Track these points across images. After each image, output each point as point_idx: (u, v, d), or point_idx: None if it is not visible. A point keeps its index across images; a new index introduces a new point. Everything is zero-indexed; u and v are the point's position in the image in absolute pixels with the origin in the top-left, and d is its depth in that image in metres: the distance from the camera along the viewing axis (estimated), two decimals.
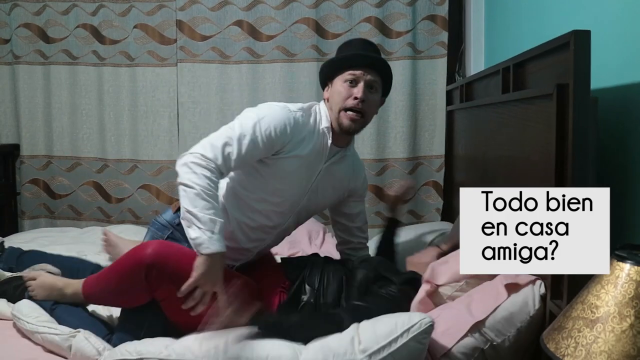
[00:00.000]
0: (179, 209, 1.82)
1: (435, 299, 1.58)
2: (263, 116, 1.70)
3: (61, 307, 1.73)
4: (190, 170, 1.61)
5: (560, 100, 1.36)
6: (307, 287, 1.72)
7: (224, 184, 1.83)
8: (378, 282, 1.71)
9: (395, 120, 2.99)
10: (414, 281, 1.70)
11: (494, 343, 1.42)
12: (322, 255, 1.99)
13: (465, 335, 1.42)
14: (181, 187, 1.61)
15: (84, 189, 3.24)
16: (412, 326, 1.38)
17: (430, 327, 1.38)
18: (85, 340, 1.54)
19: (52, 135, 3.22)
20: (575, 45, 1.29)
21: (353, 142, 1.95)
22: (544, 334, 0.96)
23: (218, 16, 3.05)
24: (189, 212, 1.57)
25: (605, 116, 1.48)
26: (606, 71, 1.48)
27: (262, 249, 1.91)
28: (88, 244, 2.60)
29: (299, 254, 2.30)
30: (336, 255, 2.10)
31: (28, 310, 1.67)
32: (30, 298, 1.75)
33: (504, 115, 1.87)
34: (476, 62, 2.81)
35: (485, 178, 2.14)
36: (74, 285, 1.73)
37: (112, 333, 1.66)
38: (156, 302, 1.60)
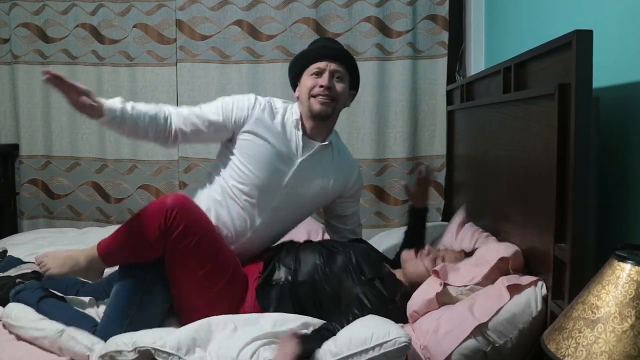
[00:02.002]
0: None
1: (442, 297, 1.58)
2: (230, 96, 1.88)
3: (46, 301, 1.73)
4: None
5: (562, 100, 1.35)
6: (281, 266, 1.75)
7: (212, 175, 1.90)
8: (356, 273, 1.71)
9: (395, 120, 2.98)
10: (391, 286, 1.70)
11: (496, 345, 1.42)
12: None
13: (468, 337, 1.42)
14: None
15: (83, 189, 3.23)
16: (387, 342, 1.37)
17: (405, 347, 1.37)
18: (72, 339, 1.54)
19: (51, 135, 3.22)
20: (578, 45, 1.29)
21: (333, 135, 1.96)
22: (545, 335, 0.96)
23: (218, 16, 3.05)
24: None
25: (606, 115, 1.47)
26: (607, 70, 1.48)
27: (244, 252, 1.86)
28: (87, 244, 2.58)
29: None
30: None
31: (17, 313, 1.66)
32: (39, 283, 1.78)
33: (505, 115, 1.86)
34: (476, 62, 2.81)
35: (486, 178, 2.14)
36: (87, 251, 1.73)
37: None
38: (144, 287, 1.65)
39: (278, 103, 1.91)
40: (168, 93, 3.11)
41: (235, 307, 1.69)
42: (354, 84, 1.94)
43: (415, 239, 2.07)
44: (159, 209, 1.62)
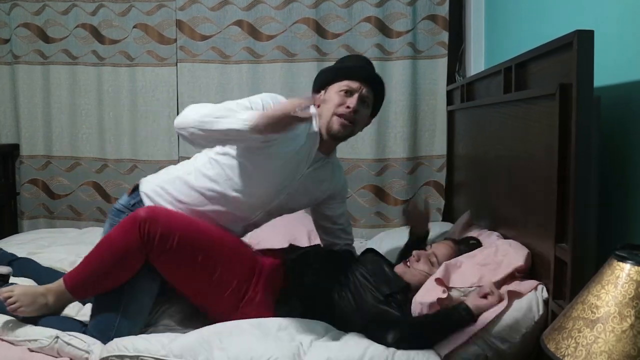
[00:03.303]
0: (133, 191, 1.86)
1: (444, 303, 1.57)
2: (253, 96, 1.76)
3: None
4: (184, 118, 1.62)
5: (563, 100, 1.35)
6: (308, 272, 1.73)
7: (207, 166, 1.81)
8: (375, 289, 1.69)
9: (395, 120, 2.98)
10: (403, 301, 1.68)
11: (499, 350, 1.42)
12: None
13: (468, 343, 1.42)
14: (188, 128, 1.60)
15: (83, 189, 3.23)
16: None
17: None
18: (68, 345, 1.53)
19: (51, 135, 3.22)
20: (579, 45, 1.29)
21: (335, 151, 1.96)
22: (544, 334, 0.96)
23: (218, 16, 3.05)
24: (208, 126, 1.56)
25: (607, 115, 1.47)
26: (608, 70, 1.48)
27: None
28: (87, 244, 2.57)
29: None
30: None
31: (3, 326, 1.62)
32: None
33: (506, 115, 1.86)
34: (476, 62, 2.81)
35: (487, 178, 2.14)
36: (53, 286, 1.65)
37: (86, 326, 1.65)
38: (130, 283, 1.62)
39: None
40: (168, 93, 3.11)
41: (241, 290, 1.67)
42: (374, 110, 1.90)
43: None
44: (130, 228, 1.58)
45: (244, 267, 1.70)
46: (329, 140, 1.84)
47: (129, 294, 1.63)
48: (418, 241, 2.07)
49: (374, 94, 1.84)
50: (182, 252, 1.61)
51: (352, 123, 1.79)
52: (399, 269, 1.77)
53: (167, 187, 1.81)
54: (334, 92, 1.80)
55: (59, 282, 1.65)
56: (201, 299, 1.68)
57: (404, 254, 2.02)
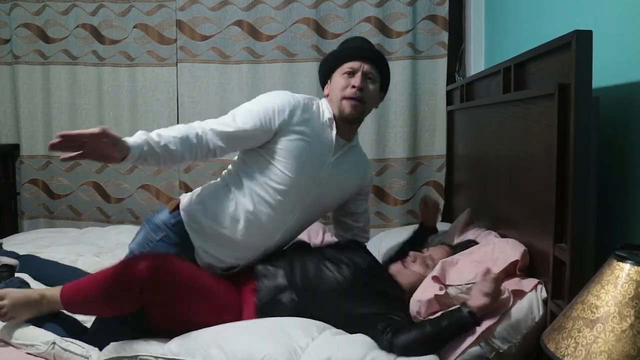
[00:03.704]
0: (175, 209, 1.82)
1: (442, 300, 1.57)
2: (262, 96, 1.80)
3: None
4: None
5: (561, 100, 1.36)
6: (287, 285, 1.68)
7: (235, 177, 1.81)
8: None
9: (395, 120, 2.98)
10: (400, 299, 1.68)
11: (500, 351, 1.43)
12: None
13: (472, 345, 1.42)
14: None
15: (83, 189, 3.23)
16: None
17: None
18: (65, 351, 1.52)
19: (51, 135, 3.20)
20: (577, 45, 1.29)
21: (357, 136, 1.96)
22: (544, 334, 0.96)
23: (218, 16, 3.05)
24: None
25: (606, 115, 1.48)
26: (607, 70, 1.48)
27: (267, 250, 1.84)
28: (87, 244, 2.60)
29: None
30: None
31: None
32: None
33: (505, 115, 1.86)
34: (476, 62, 2.81)
35: (486, 178, 2.14)
36: (50, 294, 1.63)
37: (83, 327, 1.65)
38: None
39: (310, 100, 1.86)
40: (168, 93, 3.11)
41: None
42: (384, 85, 1.91)
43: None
44: (131, 282, 1.52)
45: (231, 315, 1.64)
46: (345, 125, 1.85)
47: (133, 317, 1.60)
48: (421, 237, 2.10)
49: (378, 69, 1.85)
50: (176, 313, 1.56)
51: (361, 101, 1.81)
52: (395, 267, 1.77)
53: (206, 201, 1.79)
54: (338, 76, 1.83)
55: (56, 291, 1.62)
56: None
57: (399, 252, 2.03)
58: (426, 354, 1.41)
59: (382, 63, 1.87)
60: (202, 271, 1.73)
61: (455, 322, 1.44)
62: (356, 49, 1.86)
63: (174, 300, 1.55)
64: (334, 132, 1.83)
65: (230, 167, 1.89)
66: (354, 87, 1.78)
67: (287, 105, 1.76)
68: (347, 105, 1.80)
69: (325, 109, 1.84)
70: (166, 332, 1.55)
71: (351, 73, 1.81)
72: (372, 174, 2.10)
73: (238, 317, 1.63)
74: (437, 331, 1.44)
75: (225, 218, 1.76)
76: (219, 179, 1.88)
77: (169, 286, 1.55)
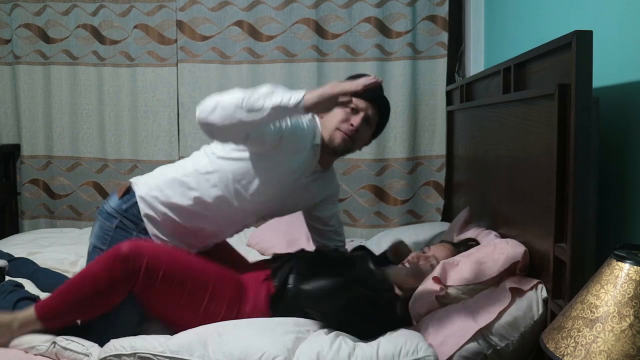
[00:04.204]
0: (124, 194, 1.81)
1: (442, 300, 1.58)
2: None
3: (23, 307, 1.65)
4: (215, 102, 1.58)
5: (562, 100, 1.36)
6: (291, 276, 1.70)
7: (208, 167, 1.78)
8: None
9: (395, 120, 2.98)
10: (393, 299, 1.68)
11: (498, 348, 1.43)
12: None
13: (469, 341, 1.42)
14: (222, 113, 1.55)
15: (83, 189, 3.24)
16: (417, 359, 1.38)
17: None
18: (66, 350, 1.52)
19: (52, 136, 3.22)
20: (577, 46, 1.29)
21: (332, 167, 1.97)
22: (544, 334, 0.96)
23: (218, 16, 3.05)
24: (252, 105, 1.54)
25: (606, 115, 1.48)
26: (607, 70, 1.48)
27: (218, 240, 1.96)
28: (87, 244, 2.59)
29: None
30: None
31: None
32: None
33: (505, 115, 1.87)
34: (476, 62, 2.81)
35: (486, 178, 2.14)
36: (21, 314, 1.56)
37: None
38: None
39: (312, 121, 1.83)
40: (168, 93, 3.12)
41: (232, 313, 1.64)
42: (376, 131, 1.92)
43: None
44: (113, 263, 1.53)
45: (230, 291, 1.67)
46: (328, 155, 1.85)
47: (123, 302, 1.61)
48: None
49: (379, 115, 1.85)
50: (168, 284, 1.57)
51: (352, 140, 1.80)
52: (397, 275, 1.75)
53: (164, 190, 1.78)
54: (339, 107, 1.77)
55: (29, 311, 1.57)
56: (187, 326, 1.61)
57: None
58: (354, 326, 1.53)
59: (385, 111, 1.88)
60: (183, 251, 1.73)
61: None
62: (369, 90, 1.77)
63: (158, 270, 1.56)
64: (317, 158, 1.83)
65: (193, 157, 1.85)
66: (352, 125, 1.77)
67: (299, 128, 1.75)
68: (338, 137, 1.78)
69: (317, 134, 1.82)
70: (164, 324, 1.59)
71: (354, 110, 1.78)
72: (337, 181, 2.07)
73: (239, 298, 1.65)
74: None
75: (182, 209, 1.76)
76: (176, 167, 1.85)
77: (152, 253, 1.57)
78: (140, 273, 1.54)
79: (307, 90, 1.54)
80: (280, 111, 1.54)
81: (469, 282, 1.56)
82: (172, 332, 1.56)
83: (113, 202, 1.83)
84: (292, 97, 1.51)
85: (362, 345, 1.44)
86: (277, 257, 1.89)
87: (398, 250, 1.99)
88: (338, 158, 1.91)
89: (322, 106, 1.55)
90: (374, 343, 1.45)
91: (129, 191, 1.82)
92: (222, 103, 1.55)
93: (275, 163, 1.74)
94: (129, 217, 1.79)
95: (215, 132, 1.60)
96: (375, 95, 1.81)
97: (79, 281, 1.59)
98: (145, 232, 1.79)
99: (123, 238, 1.73)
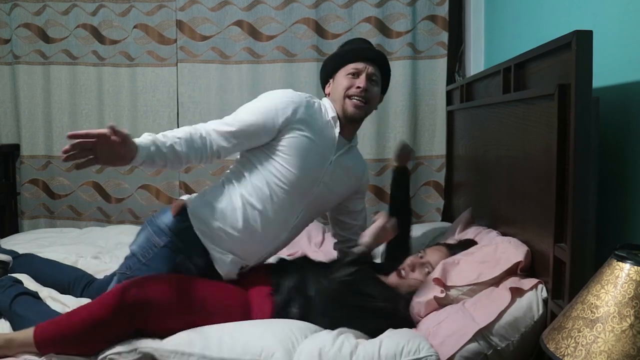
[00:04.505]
0: (179, 213, 1.78)
1: (442, 301, 1.58)
2: (264, 95, 1.81)
3: (21, 301, 1.66)
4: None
5: (561, 100, 1.36)
6: (292, 302, 1.67)
7: (239, 176, 1.80)
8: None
9: (395, 120, 2.99)
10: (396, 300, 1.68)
11: (498, 348, 1.43)
12: (321, 254, 1.97)
13: (469, 342, 1.42)
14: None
15: (83, 189, 3.23)
16: (418, 359, 1.38)
17: None
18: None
19: (52, 135, 3.21)
20: (577, 46, 1.29)
21: (356, 137, 1.98)
22: (544, 334, 0.96)
23: (218, 16, 3.05)
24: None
25: (606, 115, 1.48)
26: (607, 70, 1.48)
27: (274, 249, 1.87)
28: (87, 244, 2.59)
29: (299, 254, 2.28)
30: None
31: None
32: None
33: (505, 115, 1.87)
34: (476, 62, 2.81)
35: (486, 178, 2.14)
36: (20, 337, 1.53)
37: None
38: None
39: (312, 98, 1.86)
40: (168, 93, 3.11)
41: None
42: (384, 88, 1.96)
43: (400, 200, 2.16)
44: (118, 313, 1.50)
45: (236, 310, 1.65)
46: (348, 124, 1.87)
47: None
48: (397, 184, 2.18)
49: (380, 71, 1.89)
50: (175, 322, 1.55)
51: (366, 102, 1.84)
52: (392, 279, 1.75)
53: (214, 204, 1.76)
54: (341, 77, 1.86)
55: (27, 335, 1.53)
56: None
57: (392, 248, 2.06)
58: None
59: (384, 65, 1.91)
60: (195, 280, 1.69)
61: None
62: (360, 50, 1.89)
63: (158, 312, 1.53)
64: (337, 130, 1.85)
65: (232, 167, 1.88)
66: (358, 87, 1.82)
67: (290, 103, 1.76)
68: (350, 105, 1.83)
69: (329, 108, 1.86)
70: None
71: (355, 74, 1.84)
72: (369, 174, 2.12)
73: (245, 318, 1.63)
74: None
75: (233, 218, 1.75)
76: (222, 180, 1.87)
77: (160, 310, 1.54)
78: (145, 323, 1.52)
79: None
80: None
81: (470, 282, 1.56)
82: None
83: (167, 218, 1.79)
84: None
85: (364, 343, 1.44)
86: (278, 268, 1.86)
87: (402, 155, 2.18)
88: (358, 124, 1.92)
89: None
90: (376, 341, 1.44)
91: (184, 210, 1.79)
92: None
93: (295, 146, 1.76)
94: (183, 239, 1.75)
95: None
96: (369, 54, 1.88)
97: (80, 317, 1.54)
98: (197, 255, 1.76)
99: (165, 258, 1.73)
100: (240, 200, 1.76)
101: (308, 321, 1.60)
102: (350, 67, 1.85)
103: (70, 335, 1.52)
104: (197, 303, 1.61)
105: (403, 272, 1.75)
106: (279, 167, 1.76)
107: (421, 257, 1.78)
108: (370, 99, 1.86)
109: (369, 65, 1.85)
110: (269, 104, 1.76)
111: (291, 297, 1.68)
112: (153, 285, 1.58)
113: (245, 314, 1.65)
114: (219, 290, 1.69)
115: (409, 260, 1.79)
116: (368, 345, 1.43)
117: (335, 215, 2.07)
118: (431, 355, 1.38)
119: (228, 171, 1.89)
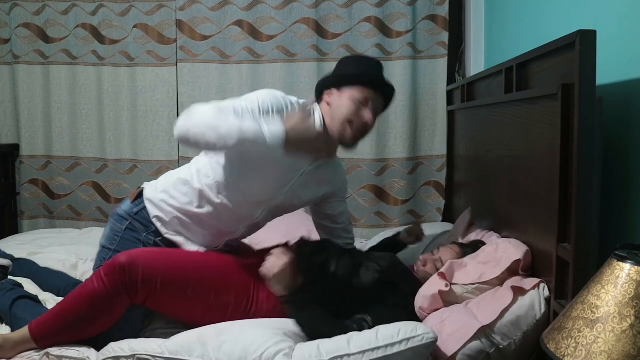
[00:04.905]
0: (137, 198, 1.84)
1: (446, 297, 1.58)
2: (261, 93, 1.72)
3: (20, 305, 1.67)
4: (189, 115, 1.57)
5: (565, 100, 1.35)
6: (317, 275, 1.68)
7: (207, 167, 1.78)
8: (385, 286, 1.67)
9: (395, 120, 2.98)
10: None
11: (500, 347, 1.43)
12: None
13: (472, 340, 1.42)
14: (192, 128, 1.53)
15: (83, 189, 3.23)
16: (415, 337, 1.38)
17: (432, 344, 1.38)
18: (59, 358, 1.50)
19: (51, 135, 3.22)
20: (581, 45, 1.28)
21: (336, 155, 1.94)
22: (544, 334, 0.96)
23: (218, 16, 3.05)
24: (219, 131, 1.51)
25: (609, 114, 1.47)
26: (610, 69, 1.48)
27: (231, 239, 1.88)
28: (87, 244, 2.59)
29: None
30: None
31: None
32: None
33: (507, 115, 1.86)
34: (476, 62, 2.81)
35: (488, 178, 2.14)
36: (16, 336, 1.54)
37: None
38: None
39: (304, 105, 1.78)
40: (168, 93, 3.11)
41: (241, 302, 1.65)
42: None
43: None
44: (110, 277, 1.53)
45: (236, 281, 1.67)
46: (334, 144, 1.82)
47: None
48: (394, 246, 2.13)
49: (384, 103, 1.82)
50: (169, 289, 1.58)
51: (363, 135, 1.77)
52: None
53: (170, 191, 1.80)
54: (348, 97, 1.72)
55: (23, 331, 1.54)
56: (206, 324, 1.60)
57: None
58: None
59: (391, 98, 1.83)
60: (188, 252, 1.76)
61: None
62: (378, 78, 1.78)
63: (157, 277, 1.56)
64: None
65: (196, 159, 1.86)
66: (365, 122, 1.72)
67: (273, 104, 1.67)
68: (349, 134, 1.73)
69: (317, 120, 1.77)
70: (180, 322, 1.60)
71: (364, 102, 1.72)
72: (345, 177, 2.06)
73: (244, 291, 1.66)
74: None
75: (189, 208, 1.77)
76: (181, 169, 1.87)
77: (148, 260, 1.57)
78: (138, 284, 1.54)
79: (285, 126, 1.54)
80: (251, 146, 1.53)
81: (473, 281, 1.57)
82: (187, 329, 1.58)
83: (125, 205, 1.86)
84: (270, 136, 1.51)
85: (361, 332, 1.46)
86: (303, 242, 1.84)
87: (413, 232, 2.11)
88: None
89: (300, 150, 1.59)
90: (373, 329, 1.46)
91: (140, 195, 1.85)
92: (193, 121, 1.54)
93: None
94: (139, 219, 1.81)
95: (191, 147, 1.60)
96: (384, 85, 1.78)
97: (74, 299, 1.57)
98: (154, 234, 1.81)
99: (132, 238, 1.78)
100: (199, 194, 1.76)
101: (322, 298, 1.60)
102: (362, 91, 1.71)
103: (67, 320, 1.54)
104: (187, 262, 1.66)
105: (415, 267, 1.77)
106: (246, 171, 1.72)
107: (433, 254, 1.81)
108: (369, 132, 1.79)
109: (379, 97, 1.76)
110: (251, 98, 1.68)
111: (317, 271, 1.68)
112: (140, 251, 1.65)
113: (246, 283, 1.67)
114: (216, 256, 1.73)
115: (422, 257, 1.82)
116: (365, 333, 1.45)
117: (316, 219, 2.05)
118: (428, 333, 1.39)
119: (193, 160, 1.86)
